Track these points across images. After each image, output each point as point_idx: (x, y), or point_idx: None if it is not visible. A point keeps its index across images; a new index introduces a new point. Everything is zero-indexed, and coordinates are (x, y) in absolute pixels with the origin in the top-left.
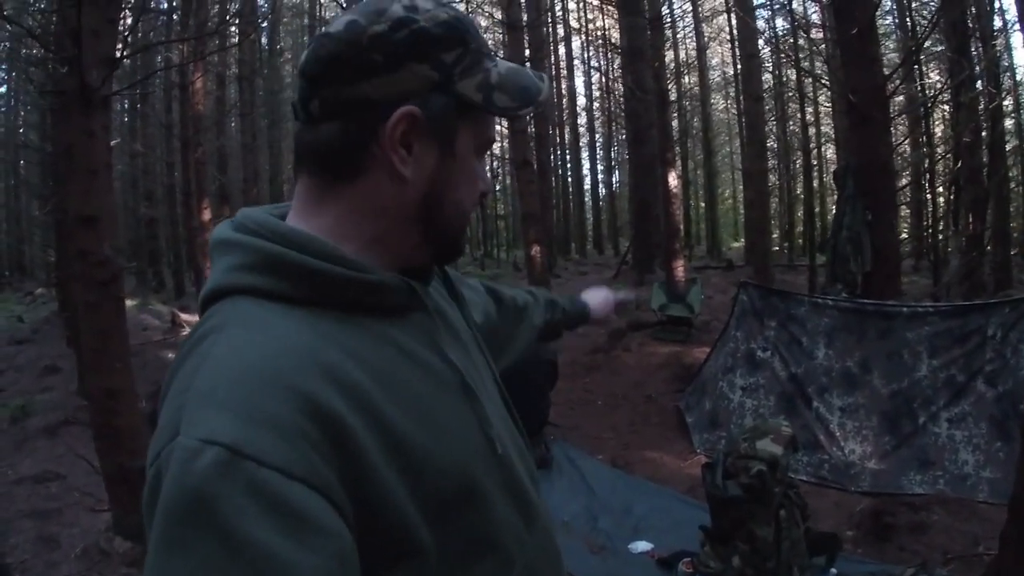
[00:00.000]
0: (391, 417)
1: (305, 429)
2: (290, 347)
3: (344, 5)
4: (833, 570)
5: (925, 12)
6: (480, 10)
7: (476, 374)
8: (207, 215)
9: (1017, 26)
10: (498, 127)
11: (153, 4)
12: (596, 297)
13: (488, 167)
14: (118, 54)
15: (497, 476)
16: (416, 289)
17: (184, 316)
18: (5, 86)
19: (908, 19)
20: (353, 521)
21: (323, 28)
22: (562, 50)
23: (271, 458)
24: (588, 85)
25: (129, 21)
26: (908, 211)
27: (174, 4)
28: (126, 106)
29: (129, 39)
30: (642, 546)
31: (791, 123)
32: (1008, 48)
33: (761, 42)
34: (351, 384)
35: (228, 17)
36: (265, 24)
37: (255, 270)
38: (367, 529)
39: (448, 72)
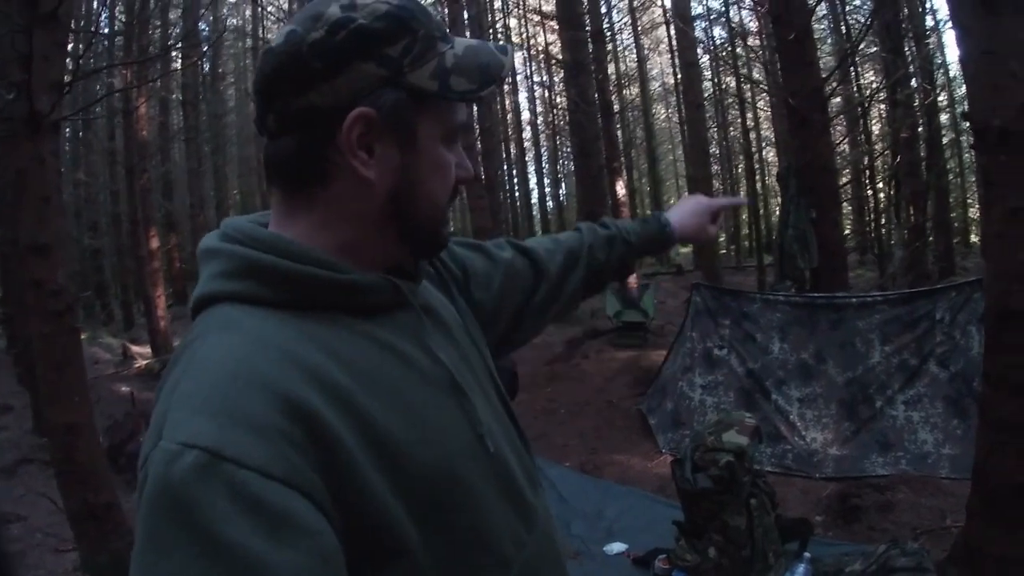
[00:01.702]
0: (373, 415)
1: (284, 429)
2: (268, 348)
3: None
4: (807, 554)
5: (859, 16)
6: None
7: (468, 372)
8: (154, 243)
9: (948, 24)
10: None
11: (93, 29)
12: (683, 210)
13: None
14: (66, 79)
15: (490, 476)
16: (400, 287)
17: (135, 348)
18: None
19: (843, 23)
20: (337, 521)
21: (267, 43)
22: None
23: (250, 460)
24: (532, 100)
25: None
26: (850, 208)
27: (116, 28)
28: (68, 134)
29: (72, 65)
30: (617, 547)
31: (732, 129)
32: (940, 45)
33: (700, 51)
34: (332, 383)
35: (170, 42)
36: (207, 48)
37: (236, 276)
38: (352, 528)
39: (396, 65)
